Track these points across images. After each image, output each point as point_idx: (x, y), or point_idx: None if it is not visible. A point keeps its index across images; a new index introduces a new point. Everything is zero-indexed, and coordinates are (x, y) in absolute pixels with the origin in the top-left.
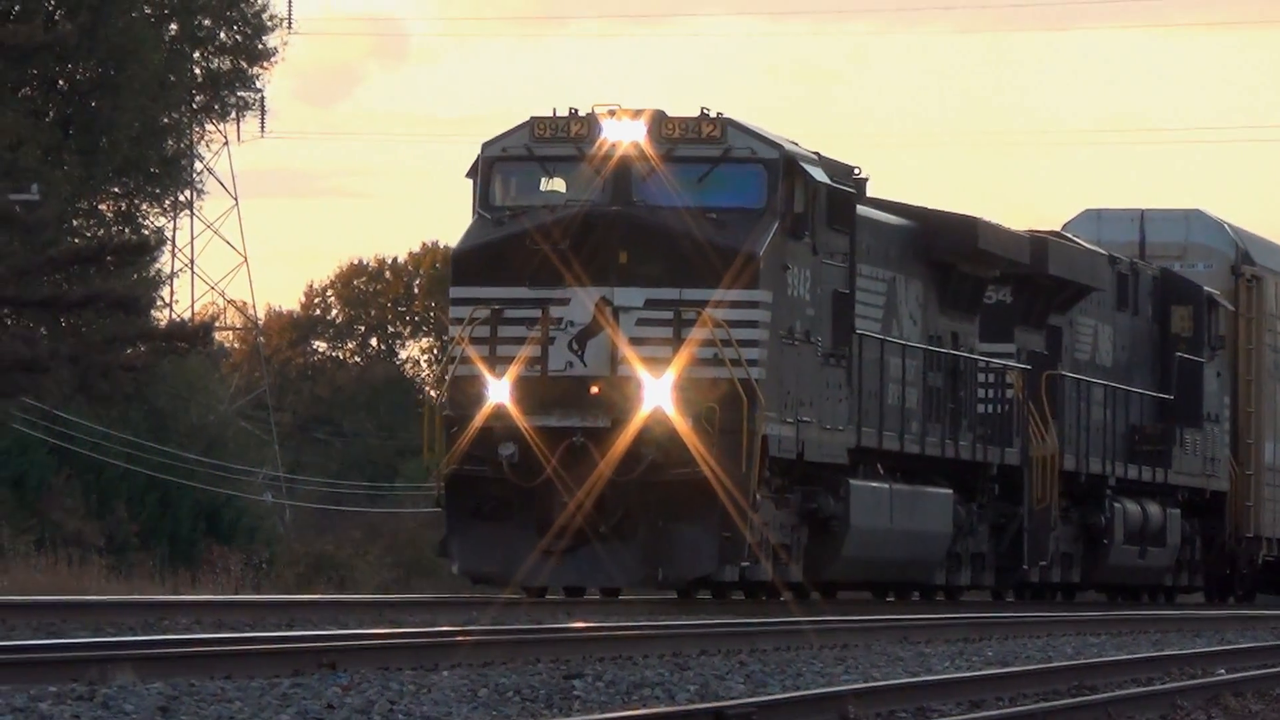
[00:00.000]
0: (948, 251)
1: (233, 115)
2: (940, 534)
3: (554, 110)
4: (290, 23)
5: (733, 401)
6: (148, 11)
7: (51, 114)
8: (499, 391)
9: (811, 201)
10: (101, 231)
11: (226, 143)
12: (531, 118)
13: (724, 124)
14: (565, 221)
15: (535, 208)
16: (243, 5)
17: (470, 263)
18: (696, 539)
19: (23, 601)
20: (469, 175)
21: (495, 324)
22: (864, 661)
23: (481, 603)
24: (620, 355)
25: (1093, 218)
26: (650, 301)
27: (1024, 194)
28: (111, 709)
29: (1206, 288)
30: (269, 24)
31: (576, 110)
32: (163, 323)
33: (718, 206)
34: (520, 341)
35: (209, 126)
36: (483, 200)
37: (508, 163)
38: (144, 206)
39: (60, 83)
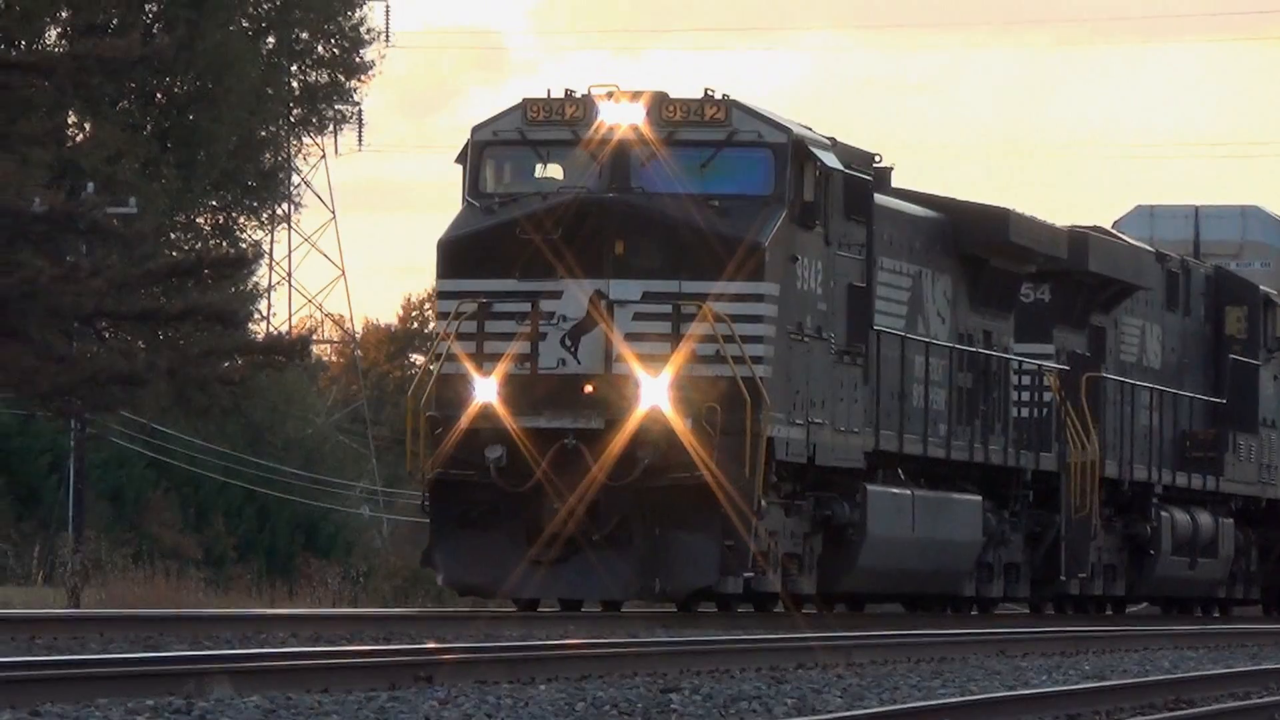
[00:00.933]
0: (978, 245)
1: (330, 128)
2: (969, 543)
3: (548, 91)
4: (388, 36)
5: (735, 401)
6: (245, 25)
7: (149, 127)
8: (486, 390)
9: (823, 189)
10: (199, 245)
11: (324, 156)
12: (524, 99)
13: (729, 105)
14: (558, 209)
15: (526, 195)
16: (340, 19)
17: (456, 254)
18: (696, 548)
19: (121, 615)
20: (458, 161)
21: (482, 319)
22: (960, 675)
23: (577, 619)
24: (615, 352)
25: (1145, 215)
26: (648, 295)
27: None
28: None
29: (1263, 287)
30: (367, 37)
31: (573, 91)
32: (260, 336)
33: (722, 193)
34: (509, 337)
35: (306, 140)
36: (472, 187)
37: (499, 147)
38: (241, 220)
39: (158, 96)
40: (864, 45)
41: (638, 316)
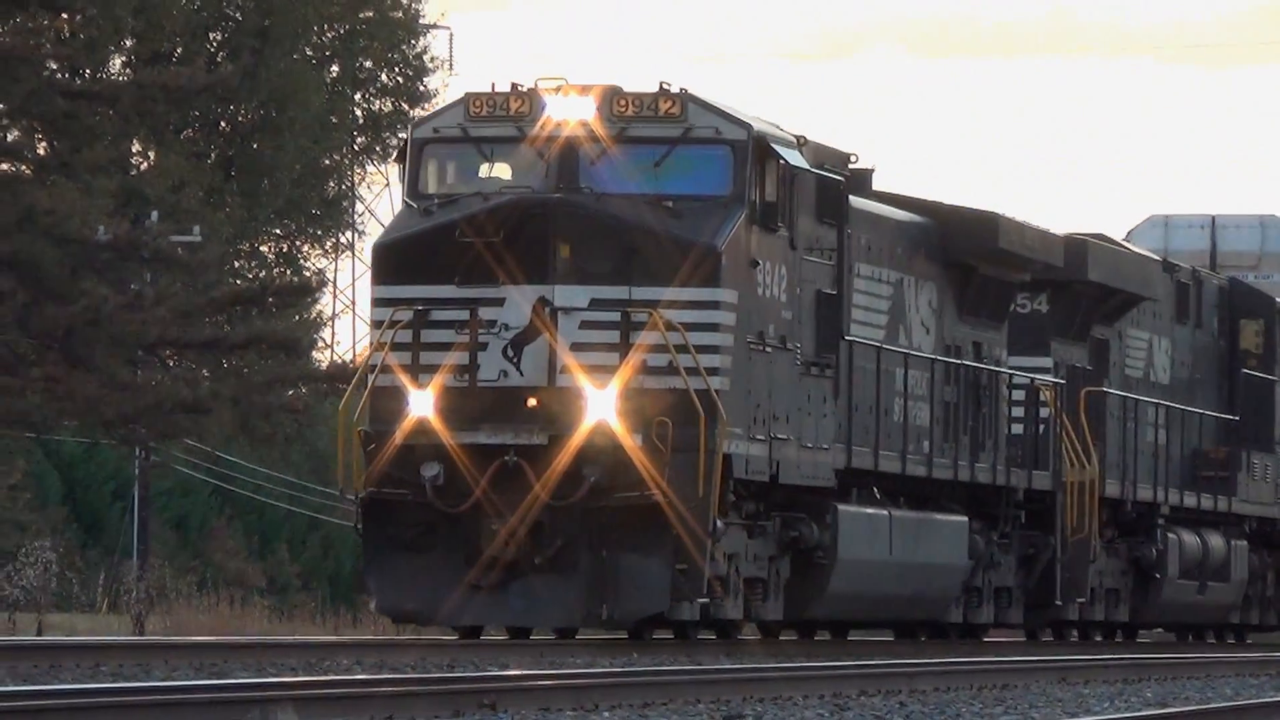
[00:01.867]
0: (966, 251)
1: (394, 156)
2: (954, 567)
3: (493, 85)
4: (452, 64)
5: (688, 415)
6: (309, 54)
7: (213, 156)
8: (421, 404)
9: (787, 189)
10: (263, 273)
11: (388, 184)
12: (467, 94)
13: (685, 100)
14: (500, 211)
15: (467, 196)
16: (404, 47)
17: (391, 258)
18: (646, 572)
19: (185, 642)
20: (397, 160)
21: (418, 327)
22: (1023, 702)
23: (642, 646)
24: (560, 363)
25: (1159, 224)
26: (595, 301)
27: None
28: None
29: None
30: (430, 66)
31: (519, 85)
32: (324, 364)
33: (676, 193)
34: (447, 347)
35: (370, 168)
36: (411, 188)
37: (439, 145)
38: (305, 248)
39: (222, 125)
40: (932, 69)
41: (584, 325)
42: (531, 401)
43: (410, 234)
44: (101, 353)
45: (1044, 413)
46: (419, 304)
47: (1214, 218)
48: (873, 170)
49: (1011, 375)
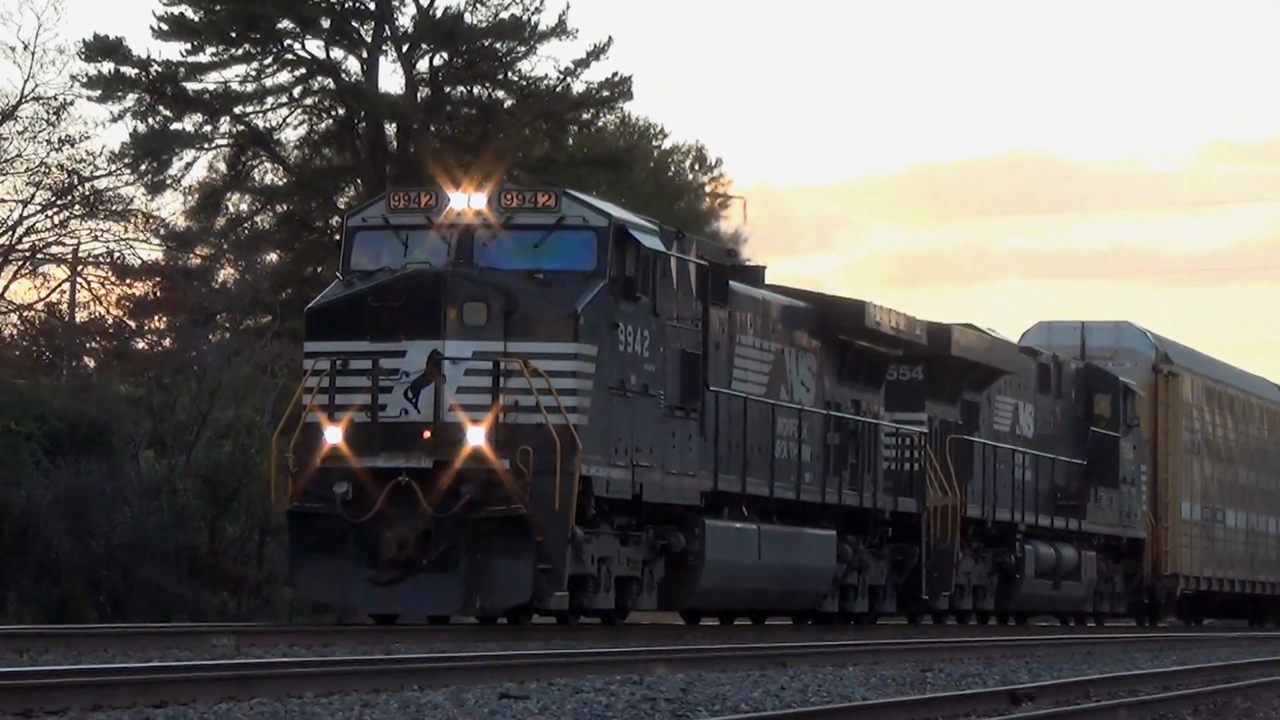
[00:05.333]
0: (843, 329)
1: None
2: (823, 568)
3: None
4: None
5: (549, 445)
6: None
7: None
8: (335, 435)
9: (650, 267)
10: None
11: None
12: (387, 191)
13: (559, 195)
14: (401, 281)
15: (381, 270)
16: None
17: (318, 320)
18: (512, 571)
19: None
20: (337, 243)
21: (334, 375)
22: (1102, 660)
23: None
24: (448, 403)
25: (1045, 328)
26: (478, 354)
27: None
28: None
29: (1123, 378)
30: (742, 239)
31: (432, 182)
32: None
33: (552, 269)
34: (359, 390)
35: None
36: (344, 266)
37: (366, 232)
38: None
39: None
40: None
41: (469, 372)
42: (426, 434)
43: (333, 301)
44: None
45: (919, 454)
46: (338, 356)
47: (1083, 323)
48: (764, 267)
49: (882, 426)
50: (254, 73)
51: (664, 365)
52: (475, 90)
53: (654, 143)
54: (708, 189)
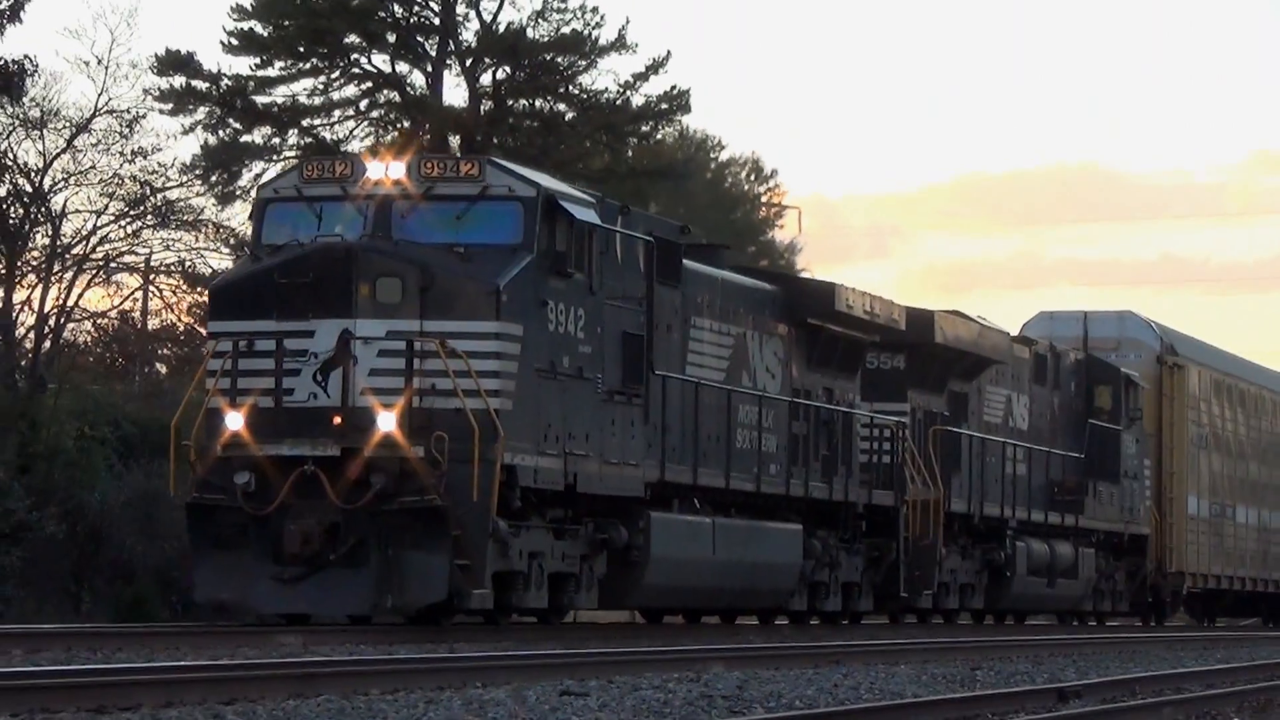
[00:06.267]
0: (811, 313)
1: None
2: (787, 564)
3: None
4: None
5: (466, 431)
6: None
7: None
8: (236, 421)
9: (583, 242)
10: None
11: None
12: (301, 160)
13: (483, 163)
14: (311, 256)
15: (290, 244)
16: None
17: (221, 298)
18: (427, 566)
19: None
20: (250, 218)
21: (236, 356)
22: (1144, 659)
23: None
24: (358, 386)
25: (1046, 318)
26: (391, 333)
27: None
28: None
29: (1125, 370)
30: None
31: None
32: None
33: (474, 243)
34: (264, 373)
35: None
36: (255, 240)
37: (278, 203)
38: None
39: None
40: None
41: (382, 353)
42: (336, 419)
43: (237, 278)
44: None
45: (893, 446)
46: (242, 337)
47: (1086, 313)
48: (727, 247)
49: (857, 415)
50: (321, 86)
51: (602, 346)
52: (537, 103)
53: (711, 154)
54: (764, 199)
